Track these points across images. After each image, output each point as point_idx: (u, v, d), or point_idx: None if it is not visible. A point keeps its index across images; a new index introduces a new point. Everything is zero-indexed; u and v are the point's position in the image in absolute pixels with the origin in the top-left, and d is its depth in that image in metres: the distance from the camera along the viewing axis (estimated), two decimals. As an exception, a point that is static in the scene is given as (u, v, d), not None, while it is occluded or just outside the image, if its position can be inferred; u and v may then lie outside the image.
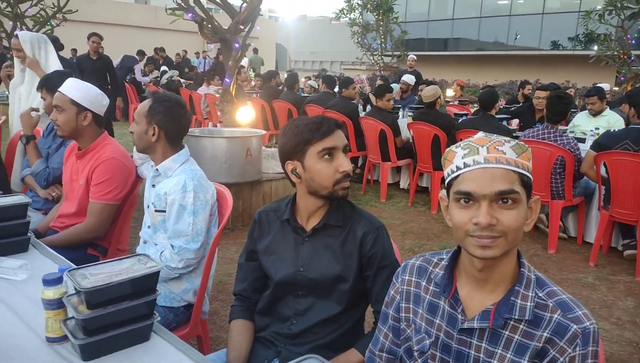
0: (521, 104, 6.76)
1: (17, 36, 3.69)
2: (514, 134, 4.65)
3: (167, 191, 1.90)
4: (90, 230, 2.17)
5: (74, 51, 11.96)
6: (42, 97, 2.67)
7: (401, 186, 5.69)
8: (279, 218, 1.54)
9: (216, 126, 5.69)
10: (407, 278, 1.18)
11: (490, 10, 20.19)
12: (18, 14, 8.79)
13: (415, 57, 9.54)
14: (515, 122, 5.71)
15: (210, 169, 3.82)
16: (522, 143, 1.03)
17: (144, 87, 10.47)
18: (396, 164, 5.26)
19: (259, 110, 6.74)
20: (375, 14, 17.09)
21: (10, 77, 3.78)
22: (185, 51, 14.02)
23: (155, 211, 1.95)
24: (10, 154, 3.30)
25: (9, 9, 8.80)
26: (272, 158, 4.57)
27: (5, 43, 9.29)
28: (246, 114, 5.29)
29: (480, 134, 1.05)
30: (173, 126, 1.93)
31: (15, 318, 1.30)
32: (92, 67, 6.46)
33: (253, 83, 9.03)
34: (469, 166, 0.99)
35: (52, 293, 1.15)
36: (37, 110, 2.82)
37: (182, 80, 10.27)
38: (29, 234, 1.73)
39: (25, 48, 3.63)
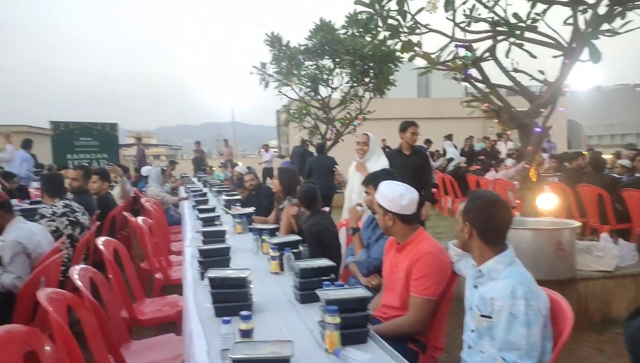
0: None
1: (366, 134, 4.53)
2: None
3: (494, 296, 1.80)
4: (412, 324, 2.22)
5: (305, 143, 11.83)
6: (366, 192, 2.99)
7: None
8: None
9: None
10: None
11: None
12: (330, 118, 10.69)
13: None
14: None
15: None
16: None
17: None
18: None
19: (560, 196, 6.09)
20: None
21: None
22: (472, 136, 14.15)
23: (481, 315, 1.85)
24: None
25: (324, 115, 10.79)
26: (587, 252, 3.95)
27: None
28: (549, 202, 4.83)
29: None
30: (486, 224, 1.89)
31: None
32: (405, 163, 4.92)
33: (547, 166, 8.35)
34: None
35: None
36: (361, 204, 3.18)
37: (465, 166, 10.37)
38: (367, 326, 1.86)
39: (370, 144, 4.44)
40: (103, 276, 2.78)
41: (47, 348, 1.81)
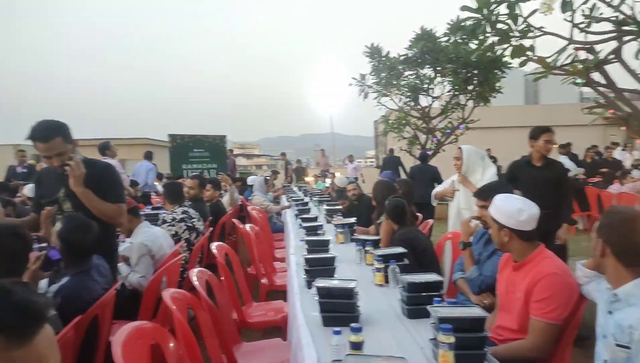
0: None
1: (459, 148, 4.29)
2: None
3: (633, 324, 1.60)
4: (533, 349, 2.05)
5: (392, 151, 12.15)
6: (482, 206, 2.83)
7: None
8: None
9: None
10: None
11: None
12: (430, 128, 10.40)
13: None
14: None
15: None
16: None
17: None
18: None
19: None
20: None
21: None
22: (595, 146, 12.75)
23: (616, 345, 1.66)
24: (439, 250, 3.67)
25: (424, 125, 10.53)
26: None
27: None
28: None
29: None
30: (623, 242, 1.71)
31: None
32: (535, 176, 4.02)
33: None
34: None
35: None
36: (476, 219, 3.02)
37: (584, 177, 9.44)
38: (484, 349, 1.75)
39: (464, 158, 4.18)
40: (217, 279, 2.95)
41: (172, 345, 1.95)
